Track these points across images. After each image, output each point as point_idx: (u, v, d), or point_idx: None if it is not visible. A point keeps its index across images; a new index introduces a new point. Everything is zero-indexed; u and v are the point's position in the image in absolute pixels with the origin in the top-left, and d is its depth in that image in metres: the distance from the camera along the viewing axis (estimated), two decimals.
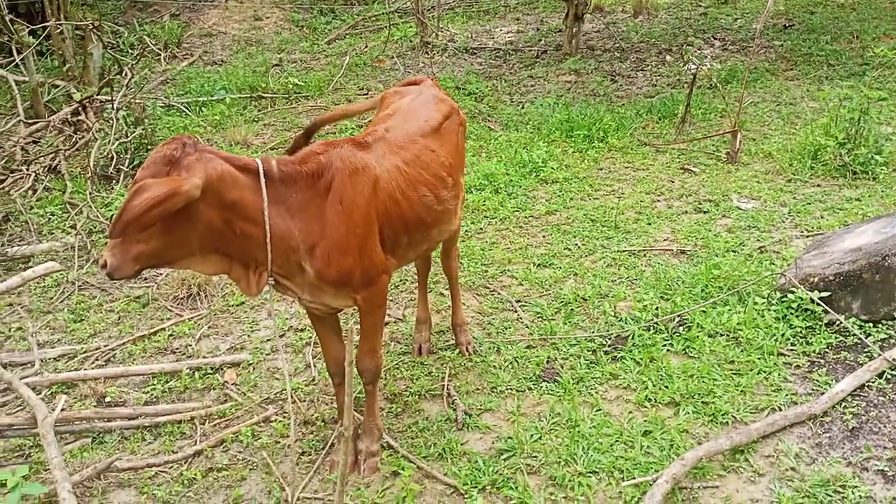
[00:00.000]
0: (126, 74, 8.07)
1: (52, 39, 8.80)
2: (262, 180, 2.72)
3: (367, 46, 11.30)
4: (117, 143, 6.80)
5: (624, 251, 5.16)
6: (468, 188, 6.09)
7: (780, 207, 5.66)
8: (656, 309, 4.36)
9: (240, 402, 3.83)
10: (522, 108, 8.52)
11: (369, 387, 3.32)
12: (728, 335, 4.05)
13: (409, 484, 3.09)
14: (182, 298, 4.82)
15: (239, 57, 11.01)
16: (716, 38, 10.96)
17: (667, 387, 3.70)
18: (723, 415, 3.49)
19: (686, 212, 5.74)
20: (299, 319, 4.54)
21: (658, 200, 5.99)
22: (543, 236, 5.50)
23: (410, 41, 11.34)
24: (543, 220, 5.76)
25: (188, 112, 8.46)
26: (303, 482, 3.24)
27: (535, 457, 3.31)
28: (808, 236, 5.17)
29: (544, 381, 3.84)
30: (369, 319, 3.19)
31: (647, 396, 3.65)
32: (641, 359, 3.93)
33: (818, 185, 6.01)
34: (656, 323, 4.19)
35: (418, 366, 4.03)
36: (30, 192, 6.54)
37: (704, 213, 5.69)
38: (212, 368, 4.11)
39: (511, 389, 3.80)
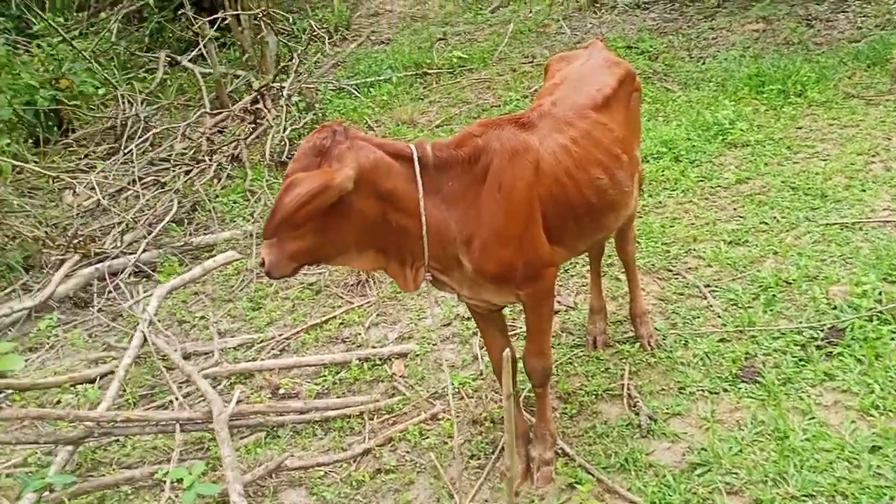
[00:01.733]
0: (295, 61, 8.25)
1: (231, 31, 9.20)
2: (417, 168, 2.52)
3: (531, 12, 10.84)
4: (290, 129, 6.94)
5: (834, 224, 4.46)
6: (644, 157, 5.57)
7: None
8: (879, 294, 3.70)
9: (407, 397, 3.69)
10: (703, 63, 7.75)
11: (539, 389, 3.04)
12: None
13: (588, 499, 2.79)
14: (352, 285, 4.78)
15: (404, 34, 10.98)
16: None
17: None
18: None
19: None
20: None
21: (872, 162, 5.16)
22: (734, 209, 4.90)
23: (577, 1, 10.74)
24: (733, 189, 5.14)
25: (357, 93, 8.52)
26: (472, 490, 3.03)
27: (735, 473, 2.88)
28: None
29: (743, 381, 3.36)
30: (535, 317, 2.91)
31: (873, 403, 3.08)
32: (864, 355, 3.33)
33: None
34: (880, 312, 3.55)
35: (593, 361, 3.68)
36: (215, 181, 6.84)
37: None
38: (380, 359, 4.01)
39: (703, 391, 3.36)
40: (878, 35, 7.56)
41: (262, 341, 4.36)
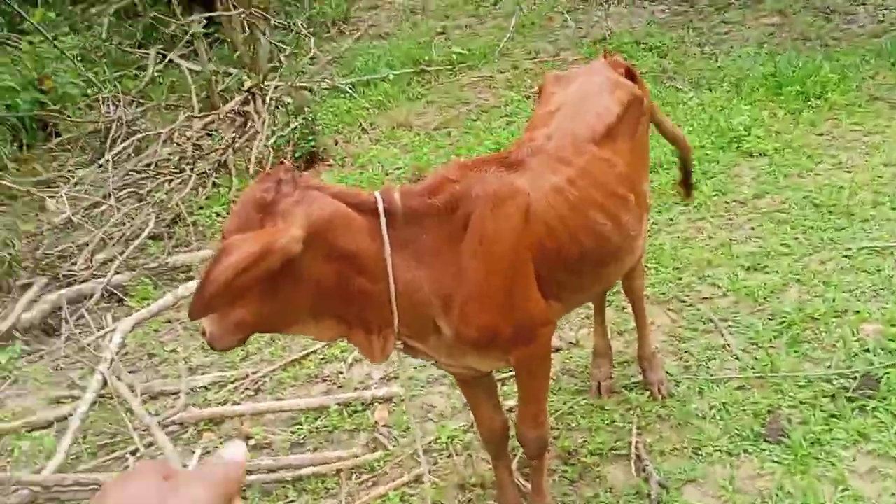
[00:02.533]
0: (284, 60, 7.87)
1: (222, 26, 8.79)
2: (383, 221, 2.13)
3: (535, 3, 10.40)
4: (275, 136, 6.56)
5: (863, 248, 4.06)
6: (652, 166, 5.15)
7: None
8: None
9: (390, 451, 3.33)
10: (716, 60, 7.31)
11: (534, 461, 2.67)
12: None
13: None
14: None
15: (403, 28, 10.56)
16: None
17: None
18: None
19: None
20: None
21: None
22: (752, 228, 4.50)
23: None
24: (751, 205, 4.73)
25: (353, 93, 8.11)
26: None
27: None
28: None
29: (766, 440, 2.98)
30: (529, 382, 2.53)
31: None
32: None
33: None
34: None
35: (597, 411, 3.31)
36: (200, 190, 6.47)
37: None
38: (362, 404, 3.65)
39: (721, 451, 2.98)
40: None
41: (234, 380, 4.00)
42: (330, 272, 2.09)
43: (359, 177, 6.24)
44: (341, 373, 3.94)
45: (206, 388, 4.00)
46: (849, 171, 4.86)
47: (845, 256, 4.04)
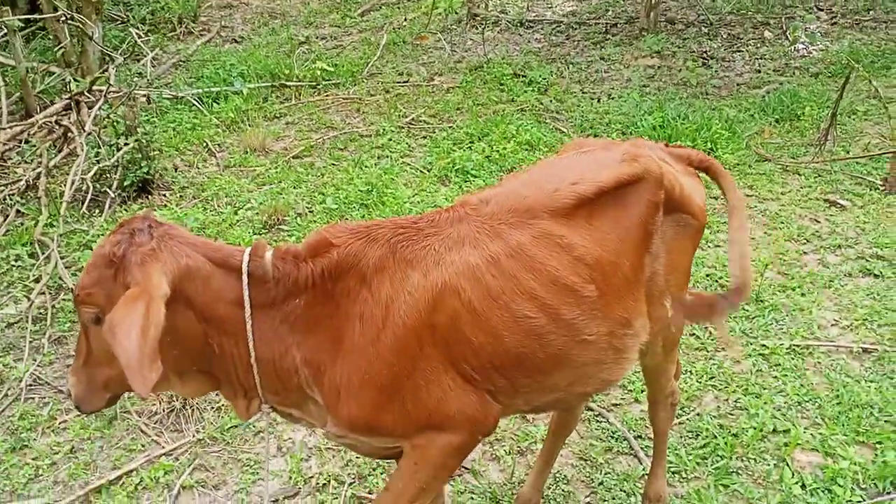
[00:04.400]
0: (118, 59, 6.68)
1: (40, 15, 7.35)
2: (245, 282, 1.94)
3: (406, 20, 9.73)
4: (98, 164, 5.40)
5: (780, 346, 3.65)
6: None
7: None
8: (856, 467, 2.88)
9: None
10: (599, 102, 6.95)
11: None
12: None
13: None
14: (161, 416, 3.46)
15: (261, 33, 9.53)
16: (820, 9, 9.18)
17: None
18: None
19: (849, 274, 4.19)
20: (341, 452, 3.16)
21: (804, 253, 4.45)
22: None
23: (456, 13, 9.71)
24: None
25: (199, 106, 7.04)
26: None
27: None
28: None
29: None
30: (408, 476, 2.10)
31: None
32: None
33: None
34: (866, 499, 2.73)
35: None
36: None
37: (876, 276, 4.15)
38: None
39: None
40: (777, 82, 7.06)
41: None
42: (190, 328, 1.94)
43: (202, 214, 5.24)
44: None
45: None
46: (752, 247, 4.52)
47: (760, 354, 3.62)
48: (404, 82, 7.71)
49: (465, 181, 5.48)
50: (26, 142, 6.43)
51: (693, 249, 2.41)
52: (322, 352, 1.98)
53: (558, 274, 2.04)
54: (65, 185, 5.41)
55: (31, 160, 6.04)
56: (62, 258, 4.59)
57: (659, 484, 2.79)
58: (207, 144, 6.46)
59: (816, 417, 3.20)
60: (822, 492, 2.81)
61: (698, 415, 3.27)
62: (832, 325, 3.80)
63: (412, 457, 2.08)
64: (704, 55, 7.98)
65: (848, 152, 5.52)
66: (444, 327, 1.96)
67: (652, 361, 2.48)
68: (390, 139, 6.32)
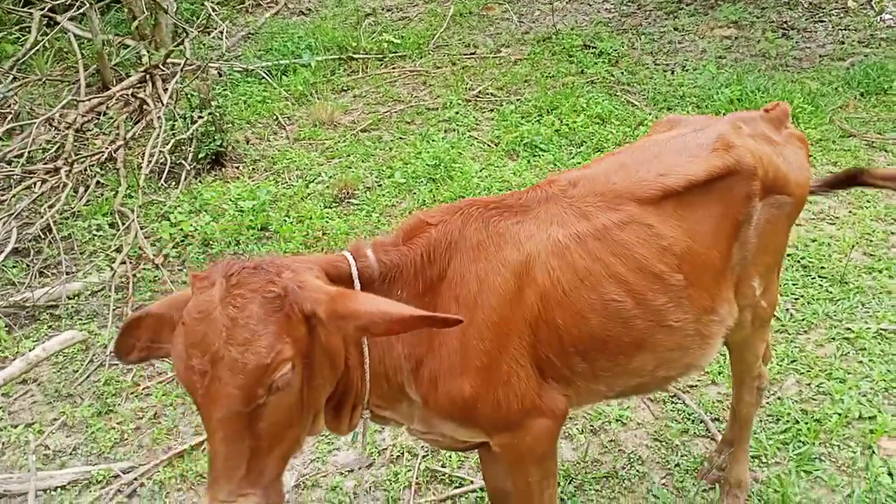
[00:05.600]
0: (191, 33, 6.77)
1: None
2: (357, 286, 1.85)
3: None
4: (175, 137, 5.52)
5: (865, 329, 3.52)
6: None
7: None
8: None
9: None
10: (672, 74, 6.74)
11: None
12: None
13: None
14: None
15: (328, 4, 9.52)
16: None
17: None
18: None
19: None
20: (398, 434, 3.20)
21: (892, 233, 4.26)
22: None
23: None
24: None
25: (269, 79, 7.10)
26: None
27: None
28: None
29: None
30: (517, 480, 2.11)
31: None
32: None
33: None
34: None
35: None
36: (81, 190, 5.38)
37: None
38: None
39: None
40: (863, 54, 6.72)
41: (101, 480, 3.10)
42: (336, 346, 1.79)
43: (274, 187, 5.31)
44: None
45: (61, 489, 3.08)
46: (833, 224, 4.35)
47: (844, 338, 3.49)
48: (471, 54, 7.62)
49: (534, 155, 5.41)
50: (103, 114, 6.63)
51: (789, 227, 2.36)
52: (421, 344, 1.96)
53: (645, 261, 2.03)
54: (141, 157, 5.56)
55: (109, 132, 6.21)
56: (141, 228, 4.72)
57: (740, 469, 2.73)
58: (277, 117, 6.54)
59: None
60: None
61: (779, 399, 3.18)
62: None
63: (512, 455, 2.07)
64: (784, 25, 7.65)
65: None
66: (533, 306, 1.95)
67: (739, 335, 2.40)
68: (457, 112, 6.27)
